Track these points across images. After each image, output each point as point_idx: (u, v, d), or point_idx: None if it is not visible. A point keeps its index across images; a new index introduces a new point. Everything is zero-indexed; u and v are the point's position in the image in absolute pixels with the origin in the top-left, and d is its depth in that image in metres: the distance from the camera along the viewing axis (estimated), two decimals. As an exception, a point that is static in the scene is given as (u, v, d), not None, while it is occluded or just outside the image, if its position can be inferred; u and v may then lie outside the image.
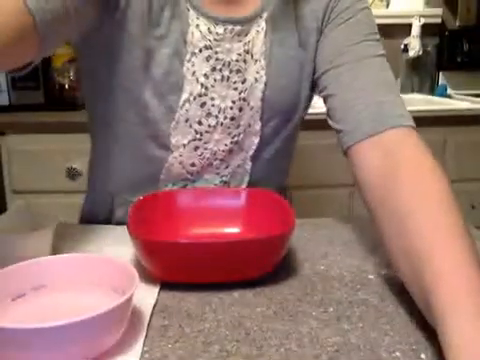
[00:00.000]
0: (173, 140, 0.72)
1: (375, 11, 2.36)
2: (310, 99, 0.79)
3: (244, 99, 0.71)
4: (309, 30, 0.72)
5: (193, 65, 0.68)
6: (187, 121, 0.71)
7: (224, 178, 0.77)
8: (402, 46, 2.27)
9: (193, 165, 0.74)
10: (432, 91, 2.28)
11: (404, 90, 2.31)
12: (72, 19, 0.59)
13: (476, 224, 0.81)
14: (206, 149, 0.73)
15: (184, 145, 0.72)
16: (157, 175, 0.76)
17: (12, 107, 1.76)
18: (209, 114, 0.71)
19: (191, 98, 0.69)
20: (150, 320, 0.52)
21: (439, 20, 2.28)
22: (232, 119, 0.72)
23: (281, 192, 0.79)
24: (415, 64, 2.32)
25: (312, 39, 0.73)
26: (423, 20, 2.21)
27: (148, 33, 0.67)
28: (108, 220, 0.82)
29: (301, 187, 1.83)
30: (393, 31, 2.29)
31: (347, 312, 0.54)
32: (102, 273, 0.53)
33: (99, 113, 0.76)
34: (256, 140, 0.75)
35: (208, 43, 0.69)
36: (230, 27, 0.69)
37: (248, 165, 0.77)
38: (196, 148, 0.73)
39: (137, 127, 0.72)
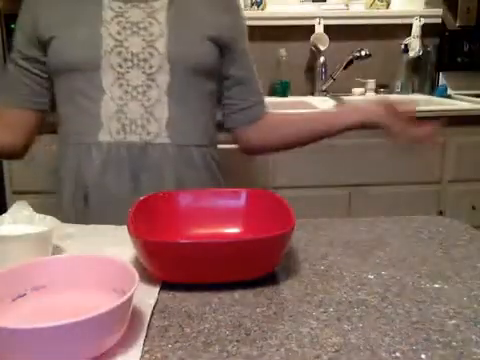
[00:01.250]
0: (103, 82, 0.94)
1: (375, 11, 2.38)
2: (217, 56, 1.00)
3: (152, 46, 0.95)
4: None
5: (108, 28, 0.94)
6: (111, 66, 0.94)
7: (148, 109, 0.95)
8: (402, 46, 2.27)
9: (121, 99, 0.95)
10: (432, 91, 2.28)
11: (404, 90, 2.31)
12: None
13: (476, 224, 0.81)
14: (128, 85, 0.95)
15: (111, 84, 0.94)
16: (98, 113, 0.95)
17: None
18: (126, 59, 0.95)
19: (109, 49, 0.94)
20: (150, 320, 0.52)
21: (439, 20, 2.28)
22: (144, 60, 0.95)
23: (202, 148, 1.01)
24: (415, 64, 2.32)
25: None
26: (423, 20, 2.21)
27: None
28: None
29: (301, 187, 1.83)
30: (393, 31, 2.29)
31: (347, 312, 0.54)
32: (102, 273, 0.53)
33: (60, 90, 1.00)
34: (167, 77, 0.95)
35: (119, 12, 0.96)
36: (135, 3, 0.96)
37: (165, 99, 0.96)
38: (120, 85, 0.95)
39: (76, 81, 0.95)
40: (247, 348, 0.47)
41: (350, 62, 2.15)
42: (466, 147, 1.89)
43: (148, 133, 0.95)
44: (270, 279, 0.61)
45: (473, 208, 1.92)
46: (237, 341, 0.49)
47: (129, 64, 0.95)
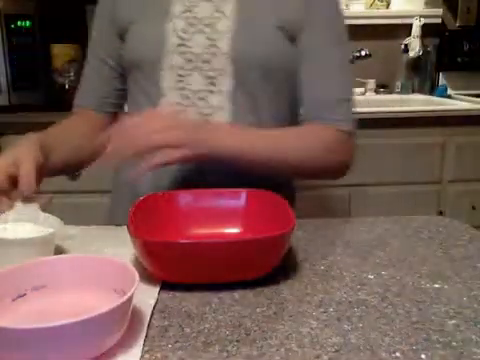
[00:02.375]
0: (164, 84, 0.86)
1: (375, 11, 2.38)
2: (290, 53, 0.87)
3: (215, 45, 0.84)
4: None
5: (174, 24, 0.86)
6: (172, 68, 0.86)
7: (206, 118, 0.85)
8: (402, 46, 2.27)
9: (179, 104, 0.86)
10: (432, 91, 2.28)
11: (404, 90, 2.31)
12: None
13: (476, 224, 0.81)
14: (189, 90, 0.86)
15: (172, 87, 0.86)
16: None
17: (12, 107, 1.76)
18: (188, 60, 0.85)
19: (172, 48, 0.85)
20: (150, 320, 0.52)
21: (439, 20, 2.28)
22: (207, 62, 0.85)
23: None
24: (415, 64, 2.32)
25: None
26: (423, 20, 2.21)
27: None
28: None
29: (301, 187, 1.83)
30: (393, 31, 2.29)
31: (347, 312, 0.54)
32: (102, 273, 0.53)
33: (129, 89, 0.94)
34: (231, 80, 0.85)
35: (186, 8, 0.86)
36: None
37: (227, 106, 0.86)
38: (181, 89, 0.86)
39: (139, 81, 0.89)
40: (247, 348, 0.47)
41: (350, 62, 2.15)
42: (466, 147, 1.89)
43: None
44: (270, 279, 0.61)
45: (473, 208, 1.92)
46: (237, 341, 0.49)
47: (191, 66, 0.85)
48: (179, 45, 0.85)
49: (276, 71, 0.86)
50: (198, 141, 0.73)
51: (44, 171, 0.73)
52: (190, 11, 0.86)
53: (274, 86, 0.87)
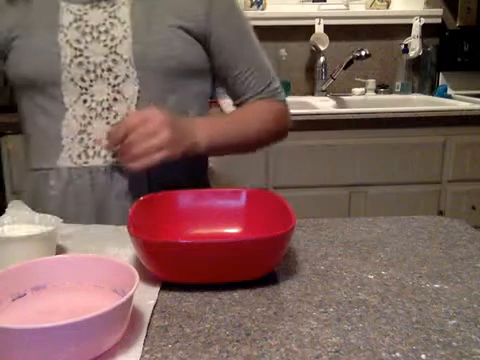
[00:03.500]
0: (66, 99, 0.84)
1: (375, 11, 2.38)
2: (194, 51, 0.87)
3: (115, 52, 0.83)
4: None
5: (66, 35, 0.83)
6: (73, 80, 0.83)
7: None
8: (402, 46, 2.27)
9: (84, 117, 0.84)
10: (432, 91, 2.28)
11: (404, 90, 2.31)
12: None
13: (476, 224, 0.81)
14: (93, 101, 0.84)
15: (75, 101, 0.84)
16: (58, 134, 0.85)
17: (12, 107, 1.75)
18: (88, 70, 0.84)
19: (68, 60, 0.83)
20: (150, 320, 0.52)
21: (439, 20, 2.28)
22: (108, 70, 0.84)
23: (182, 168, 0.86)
24: (415, 64, 2.32)
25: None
26: (423, 20, 2.21)
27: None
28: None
29: (301, 187, 1.83)
30: (393, 31, 2.29)
31: (347, 312, 0.54)
32: (102, 273, 0.53)
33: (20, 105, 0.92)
34: (136, 87, 0.84)
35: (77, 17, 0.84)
36: (95, 2, 0.85)
37: (133, 111, 0.85)
38: (84, 101, 0.84)
39: (36, 98, 0.86)
40: (247, 348, 0.47)
41: (350, 62, 2.15)
42: (466, 147, 1.89)
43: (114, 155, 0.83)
44: (270, 279, 0.61)
45: (473, 208, 1.92)
46: (237, 341, 0.49)
47: (92, 76, 0.83)
48: (76, 56, 0.83)
49: (181, 71, 0.86)
50: (177, 141, 0.76)
51: None
52: (81, 20, 0.83)
53: (180, 86, 0.87)
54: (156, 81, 0.85)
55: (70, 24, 0.83)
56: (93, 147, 0.84)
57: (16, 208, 0.69)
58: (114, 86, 0.84)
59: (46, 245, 0.64)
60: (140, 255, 0.60)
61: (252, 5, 2.19)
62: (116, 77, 0.84)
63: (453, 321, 0.52)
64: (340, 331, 0.50)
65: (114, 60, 0.83)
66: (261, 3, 2.20)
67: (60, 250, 0.69)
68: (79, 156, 0.84)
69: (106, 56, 0.83)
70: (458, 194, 1.92)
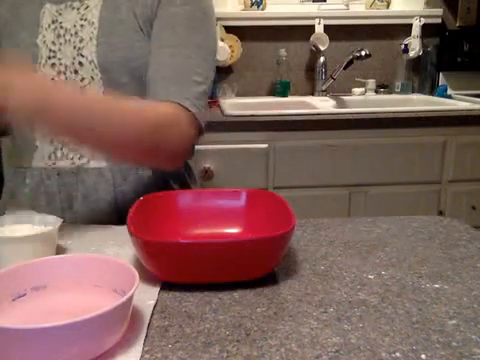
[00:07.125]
0: None
1: (375, 11, 2.38)
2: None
3: (81, 54, 0.84)
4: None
5: (44, 36, 0.85)
6: None
7: None
8: (402, 46, 2.27)
9: None
10: (432, 91, 2.28)
11: (404, 90, 2.31)
12: None
13: (476, 224, 0.81)
14: None
15: None
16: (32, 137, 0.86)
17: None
18: (59, 72, 0.84)
19: (44, 62, 0.84)
20: (150, 320, 0.52)
21: (439, 20, 2.28)
22: (75, 72, 0.84)
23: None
24: (415, 64, 2.32)
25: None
26: (423, 20, 2.21)
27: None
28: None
29: (301, 187, 1.83)
30: (393, 31, 2.29)
31: (347, 312, 0.54)
32: (102, 273, 0.53)
33: None
34: (99, 89, 0.84)
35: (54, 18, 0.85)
36: (69, 3, 0.85)
37: None
38: None
39: None
40: (247, 348, 0.47)
41: (350, 62, 2.15)
42: (466, 147, 1.89)
43: (80, 157, 0.85)
44: (270, 279, 0.61)
45: (473, 208, 1.92)
46: (237, 341, 0.49)
47: (62, 78, 0.84)
48: (50, 58, 0.84)
49: (145, 72, 0.84)
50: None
51: None
52: (57, 21, 0.85)
53: (145, 87, 0.85)
54: (121, 83, 0.84)
55: (49, 25, 0.85)
56: (61, 148, 0.85)
57: (15, 209, 0.69)
58: (80, 88, 0.84)
59: (46, 245, 0.64)
60: (140, 255, 0.60)
61: (252, 5, 2.19)
62: (82, 79, 0.84)
63: (453, 321, 0.52)
64: (340, 331, 0.50)
65: (80, 62, 0.84)
66: (261, 3, 2.20)
67: (60, 250, 0.69)
68: (49, 157, 0.86)
69: (74, 58, 0.84)
70: (458, 194, 1.92)
